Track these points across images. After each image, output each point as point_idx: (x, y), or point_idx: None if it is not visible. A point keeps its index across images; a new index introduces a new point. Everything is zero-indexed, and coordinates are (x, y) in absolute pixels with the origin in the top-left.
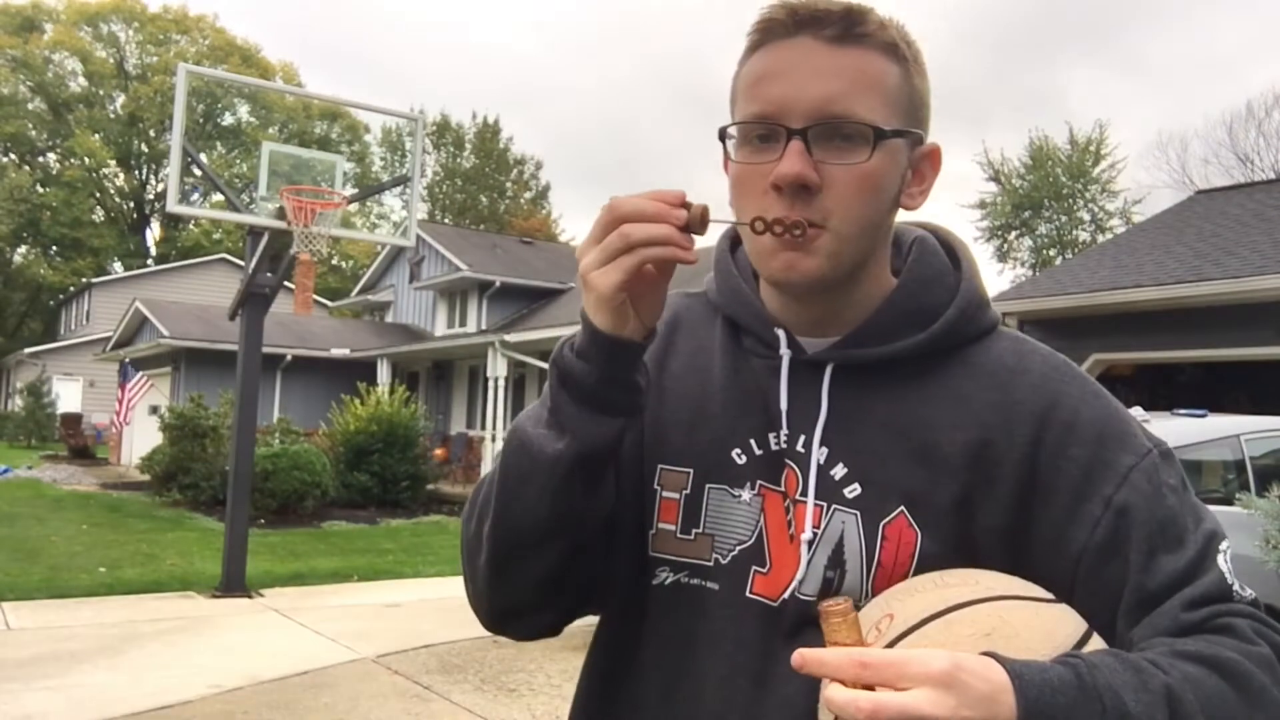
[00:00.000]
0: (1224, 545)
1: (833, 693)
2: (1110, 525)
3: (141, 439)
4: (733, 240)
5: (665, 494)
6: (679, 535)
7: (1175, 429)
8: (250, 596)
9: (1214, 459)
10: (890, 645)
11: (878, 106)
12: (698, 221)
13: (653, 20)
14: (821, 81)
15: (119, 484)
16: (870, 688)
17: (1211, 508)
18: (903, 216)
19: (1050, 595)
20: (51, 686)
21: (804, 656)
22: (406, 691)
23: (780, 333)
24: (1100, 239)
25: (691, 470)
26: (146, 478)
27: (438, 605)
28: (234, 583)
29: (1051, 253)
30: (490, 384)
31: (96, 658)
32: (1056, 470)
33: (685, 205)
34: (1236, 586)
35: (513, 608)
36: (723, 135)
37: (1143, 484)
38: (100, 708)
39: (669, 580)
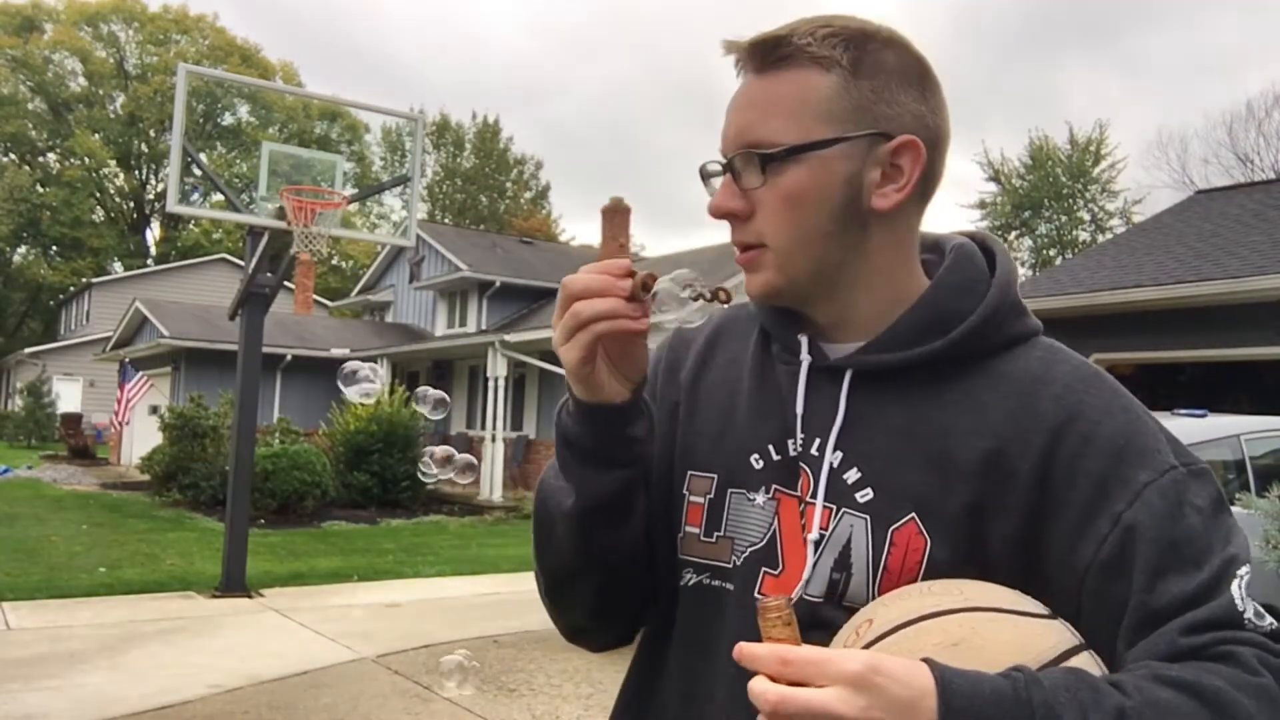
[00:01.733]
0: (1242, 570)
1: (753, 683)
2: (1117, 543)
3: (141, 439)
4: None
5: (692, 498)
6: (702, 538)
7: (1175, 429)
8: (250, 596)
9: (1214, 459)
10: (865, 649)
11: (793, 126)
12: (639, 290)
13: (652, 21)
14: (738, 115)
15: (119, 484)
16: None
17: None
18: (926, 223)
19: (1043, 610)
20: (51, 686)
21: (740, 650)
22: (407, 691)
23: (802, 339)
24: (1100, 239)
25: (716, 475)
26: (146, 478)
27: (438, 605)
28: (234, 583)
29: (1051, 253)
30: (490, 384)
31: (96, 658)
32: (1069, 484)
33: (630, 274)
34: (1250, 614)
35: (576, 629)
36: (704, 176)
37: (1156, 502)
38: (100, 708)
39: (693, 582)
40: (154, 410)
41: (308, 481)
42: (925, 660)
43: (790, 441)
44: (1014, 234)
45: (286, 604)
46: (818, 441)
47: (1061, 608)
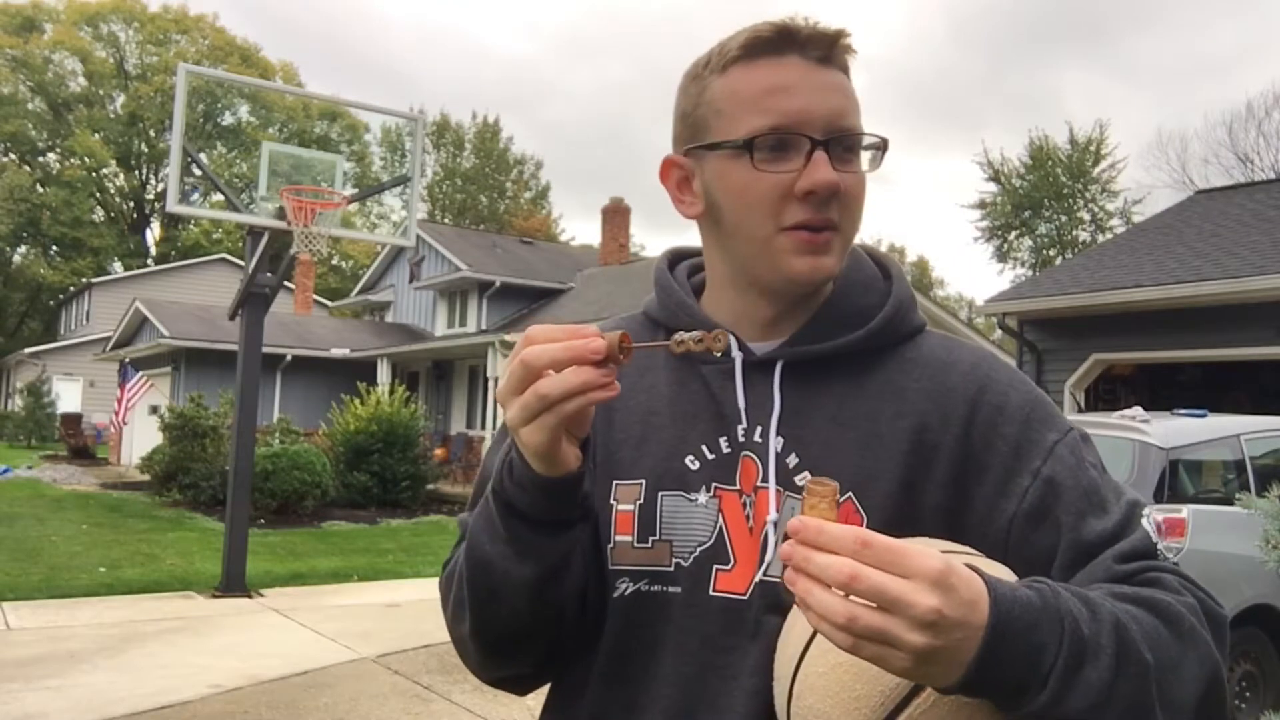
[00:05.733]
0: (1147, 511)
1: (813, 555)
2: (1038, 493)
3: (141, 439)
4: (670, 260)
5: (620, 507)
6: (636, 545)
7: (1175, 429)
8: (250, 596)
9: (1214, 459)
10: None
11: (862, 122)
12: (615, 350)
13: (651, 21)
14: (831, 97)
15: (119, 484)
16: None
17: (1211, 508)
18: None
19: (977, 553)
20: (51, 686)
21: (802, 521)
22: (406, 691)
23: (731, 338)
24: (1100, 239)
25: (644, 481)
26: (146, 478)
27: (437, 605)
28: (234, 583)
29: (1051, 253)
30: (490, 384)
31: (96, 658)
32: (989, 448)
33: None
34: (1160, 546)
35: (509, 679)
36: (749, 145)
37: (1066, 456)
38: (100, 708)
39: (629, 590)
40: (154, 410)
41: (308, 481)
42: (970, 565)
43: (723, 440)
44: (1014, 234)
45: (286, 604)
46: (759, 429)
47: None
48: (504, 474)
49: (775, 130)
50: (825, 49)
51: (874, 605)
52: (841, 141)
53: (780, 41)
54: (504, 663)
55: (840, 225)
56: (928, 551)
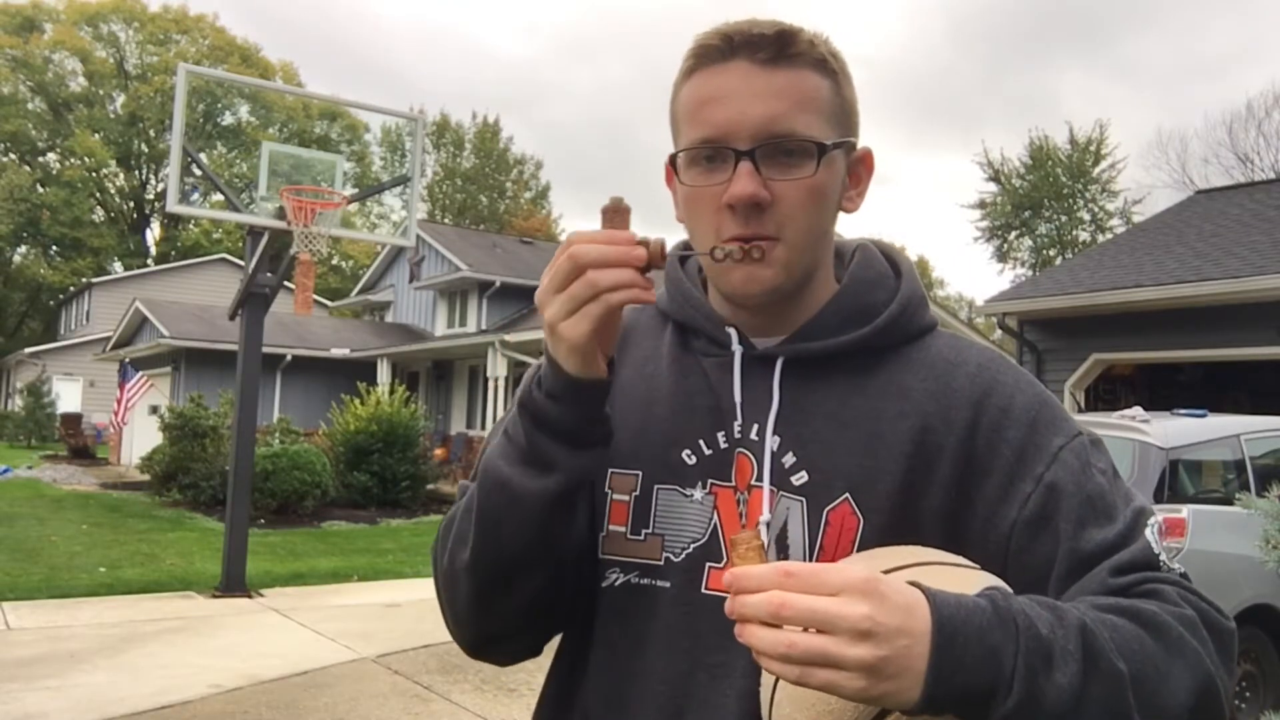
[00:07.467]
0: (1152, 520)
1: (746, 596)
2: (1040, 499)
3: (141, 439)
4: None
5: (615, 496)
6: (629, 536)
7: (1175, 429)
8: (250, 596)
9: (1214, 459)
10: None
11: (815, 122)
12: (658, 258)
13: (649, 22)
14: (763, 103)
15: (119, 484)
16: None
17: (1211, 508)
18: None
19: (974, 564)
20: (51, 686)
21: (731, 573)
22: (406, 691)
23: (732, 331)
24: (1100, 239)
25: (640, 472)
26: (146, 478)
27: (437, 605)
28: (234, 583)
29: (1051, 253)
30: (490, 384)
31: (96, 658)
32: (992, 452)
33: (642, 243)
34: (1164, 557)
35: (494, 635)
36: (674, 160)
37: (1072, 461)
38: (100, 708)
39: (619, 581)
40: (154, 410)
41: (308, 481)
42: (910, 581)
43: (721, 435)
44: (1014, 234)
45: (286, 604)
46: (755, 427)
47: (989, 571)
48: (533, 386)
49: (705, 143)
50: (771, 50)
51: (812, 630)
52: (779, 147)
53: (725, 48)
54: (490, 604)
55: (783, 235)
56: (849, 567)
